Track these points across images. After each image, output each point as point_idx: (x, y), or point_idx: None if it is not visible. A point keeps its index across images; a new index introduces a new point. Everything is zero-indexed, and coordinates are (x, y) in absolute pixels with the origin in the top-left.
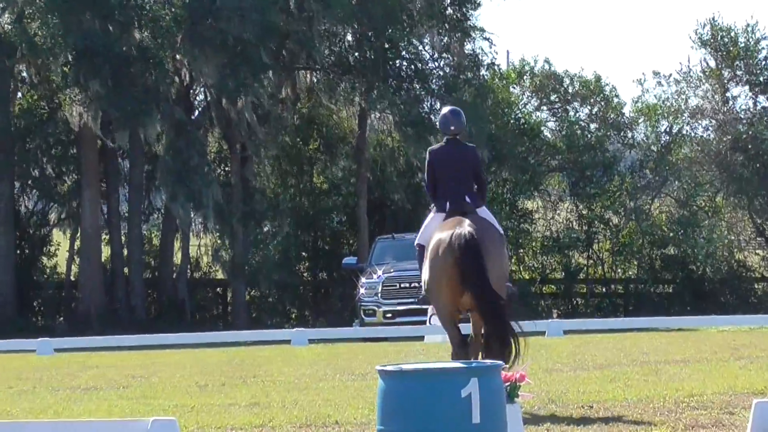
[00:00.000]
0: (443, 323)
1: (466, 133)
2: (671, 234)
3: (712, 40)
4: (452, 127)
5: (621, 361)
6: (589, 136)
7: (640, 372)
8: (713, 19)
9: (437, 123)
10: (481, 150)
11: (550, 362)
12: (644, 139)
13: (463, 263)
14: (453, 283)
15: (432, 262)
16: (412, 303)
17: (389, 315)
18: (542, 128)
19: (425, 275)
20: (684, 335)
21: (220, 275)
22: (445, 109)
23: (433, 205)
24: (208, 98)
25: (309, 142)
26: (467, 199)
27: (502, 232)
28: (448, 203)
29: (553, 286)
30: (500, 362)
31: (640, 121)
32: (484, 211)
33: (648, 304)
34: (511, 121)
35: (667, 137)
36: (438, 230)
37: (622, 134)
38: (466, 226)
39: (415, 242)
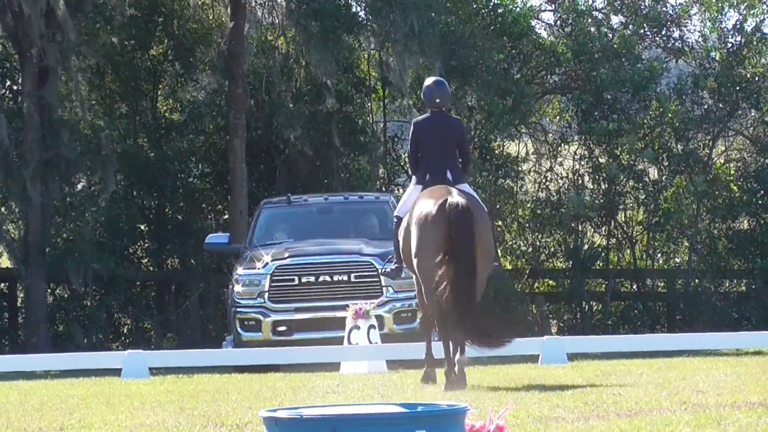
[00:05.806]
0: (427, 296)
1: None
2: (744, 197)
3: None
4: (438, 100)
5: (662, 403)
6: (610, 36)
7: (694, 421)
8: None
9: (422, 95)
10: (433, 59)
11: (547, 405)
12: (700, 41)
13: (457, 232)
14: (442, 252)
15: (421, 230)
16: (321, 308)
17: (282, 328)
18: (533, 23)
19: (413, 243)
20: (764, 362)
21: (5, 262)
22: (429, 81)
23: (413, 177)
24: None
25: (150, 45)
26: (448, 175)
27: (486, 209)
28: (428, 175)
29: (551, 282)
30: (463, 406)
31: (693, 12)
32: (466, 188)
33: (706, 311)
34: (482, 12)
35: (739, 39)
36: (425, 197)
37: (664, 34)
38: (456, 195)
39: (394, 214)
